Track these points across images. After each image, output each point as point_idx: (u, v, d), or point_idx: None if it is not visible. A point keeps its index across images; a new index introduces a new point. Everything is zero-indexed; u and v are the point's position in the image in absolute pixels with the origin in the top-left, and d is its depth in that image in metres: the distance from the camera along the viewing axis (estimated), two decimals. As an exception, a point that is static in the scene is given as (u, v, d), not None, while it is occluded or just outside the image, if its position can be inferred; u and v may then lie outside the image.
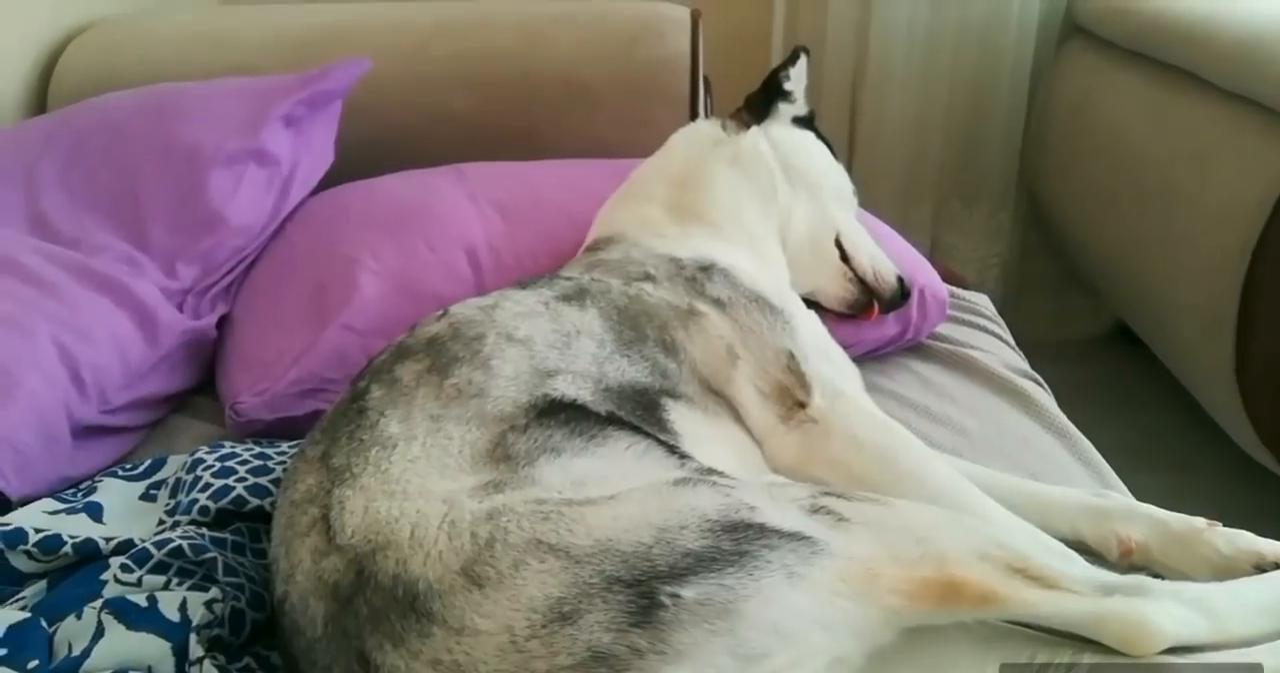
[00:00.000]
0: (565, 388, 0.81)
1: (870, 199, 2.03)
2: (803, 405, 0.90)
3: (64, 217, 1.19)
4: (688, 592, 0.60)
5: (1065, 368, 1.57)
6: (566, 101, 1.58)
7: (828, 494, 0.72)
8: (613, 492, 0.69)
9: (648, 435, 0.79)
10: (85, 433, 1.01)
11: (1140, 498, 0.96)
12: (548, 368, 0.83)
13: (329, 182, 1.40)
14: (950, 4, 2.06)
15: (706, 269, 1.01)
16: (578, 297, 0.93)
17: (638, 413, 0.82)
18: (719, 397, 0.92)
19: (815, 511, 0.69)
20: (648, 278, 0.99)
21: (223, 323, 1.21)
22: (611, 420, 0.79)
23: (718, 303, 0.97)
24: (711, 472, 0.75)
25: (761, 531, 0.66)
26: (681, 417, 0.86)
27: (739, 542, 0.64)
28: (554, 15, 1.67)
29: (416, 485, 0.71)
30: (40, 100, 1.60)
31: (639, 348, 0.90)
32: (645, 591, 0.60)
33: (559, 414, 0.78)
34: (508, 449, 0.74)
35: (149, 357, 1.09)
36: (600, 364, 0.86)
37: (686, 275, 1.00)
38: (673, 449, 0.78)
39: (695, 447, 0.82)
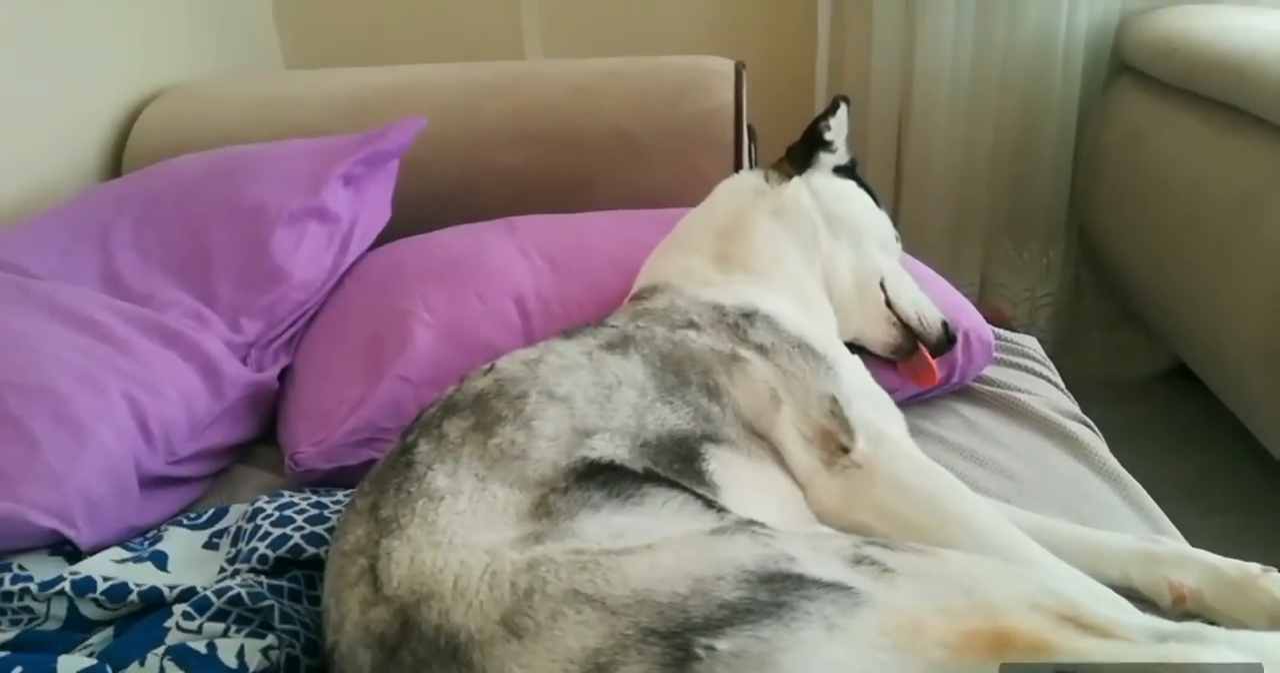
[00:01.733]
0: (603, 448, 0.83)
1: (919, 239, 2.07)
2: (846, 450, 0.91)
3: (136, 274, 1.25)
4: (723, 644, 0.61)
5: (1120, 407, 1.55)
6: (615, 154, 1.63)
7: (871, 544, 0.72)
8: (650, 542, 0.70)
9: (685, 490, 0.80)
10: (152, 483, 1.05)
11: (1199, 539, 0.94)
12: (586, 427, 0.85)
13: (387, 236, 1.46)
14: (994, 46, 2.07)
15: (749, 316, 1.03)
16: (621, 345, 0.95)
17: (675, 467, 0.84)
18: (762, 440, 0.93)
19: (858, 561, 0.69)
20: (691, 325, 1.01)
21: (284, 375, 1.26)
22: (649, 477, 0.80)
23: (760, 349, 0.98)
24: (751, 522, 0.75)
25: (800, 581, 0.65)
26: (723, 464, 0.87)
27: (777, 593, 0.64)
28: (602, 71, 1.73)
29: (462, 537, 0.73)
30: (117, 163, 1.69)
31: (682, 393, 0.91)
32: (680, 643, 0.61)
33: (597, 476, 0.79)
34: (549, 508, 0.76)
35: (214, 409, 1.13)
36: (640, 415, 0.88)
37: (729, 322, 1.01)
38: (710, 503, 0.79)
39: (736, 495, 0.83)
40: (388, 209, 1.47)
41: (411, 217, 1.49)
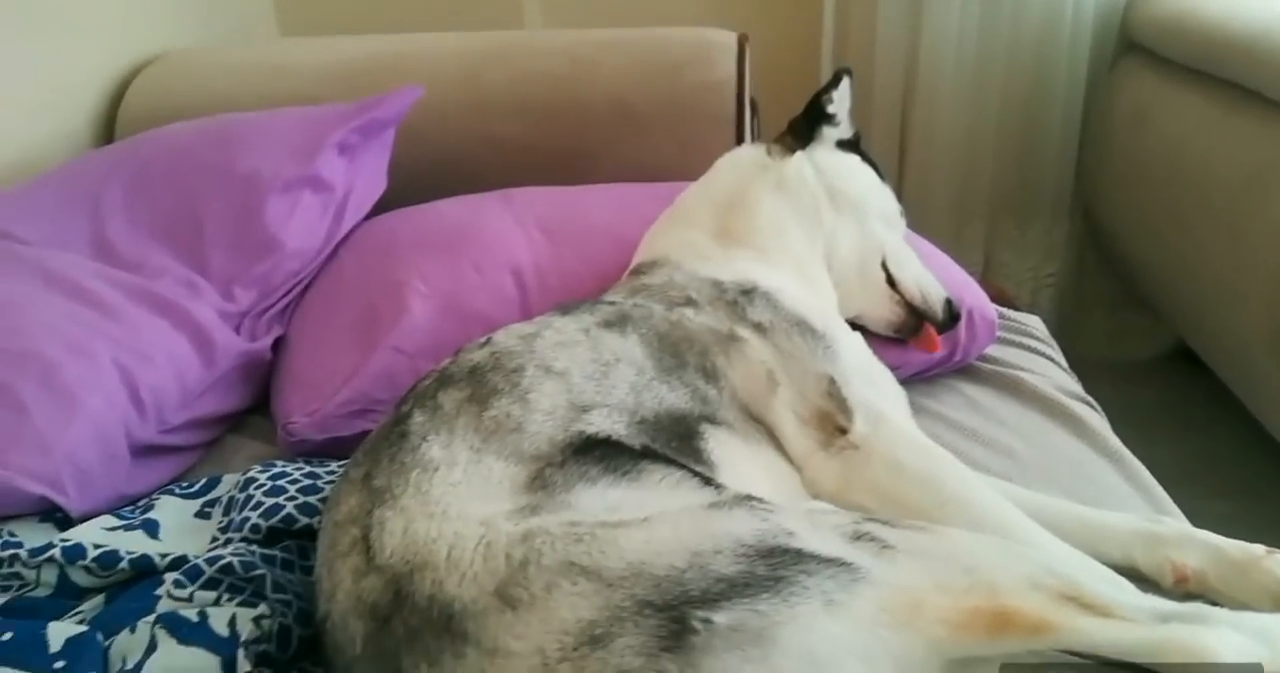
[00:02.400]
0: (600, 423, 0.81)
1: (922, 217, 2.05)
2: (844, 431, 0.89)
3: (127, 242, 1.23)
4: (720, 617, 0.60)
5: (1123, 389, 1.53)
6: (615, 126, 1.60)
7: (871, 521, 0.71)
8: (647, 516, 0.69)
9: (682, 467, 0.79)
10: (144, 452, 1.04)
11: (1201, 523, 0.93)
12: (583, 402, 0.83)
13: (383, 207, 1.44)
14: (1001, 21, 2.05)
15: (749, 292, 1.01)
16: (619, 323, 0.94)
17: (673, 444, 0.82)
18: (759, 423, 0.91)
19: (858, 537, 0.68)
20: (689, 303, 0.99)
21: (278, 345, 1.24)
22: (646, 454, 0.79)
23: (759, 327, 0.97)
24: (749, 497, 0.74)
25: (799, 556, 0.65)
26: (720, 444, 0.86)
27: (775, 567, 0.64)
28: (603, 42, 1.70)
29: (456, 508, 0.71)
30: (109, 130, 1.67)
31: (679, 374, 0.90)
32: (677, 615, 0.60)
33: (594, 451, 0.78)
34: (545, 481, 0.75)
35: (206, 378, 1.12)
36: (638, 393, 0.86)
37: (728, 299, 1.00)
38: (708, 481, 0.78)
39: (732, 475, 0.82)
40: (384, 179, 1.45)
41: (408, 187, 1.47)
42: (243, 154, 1.33)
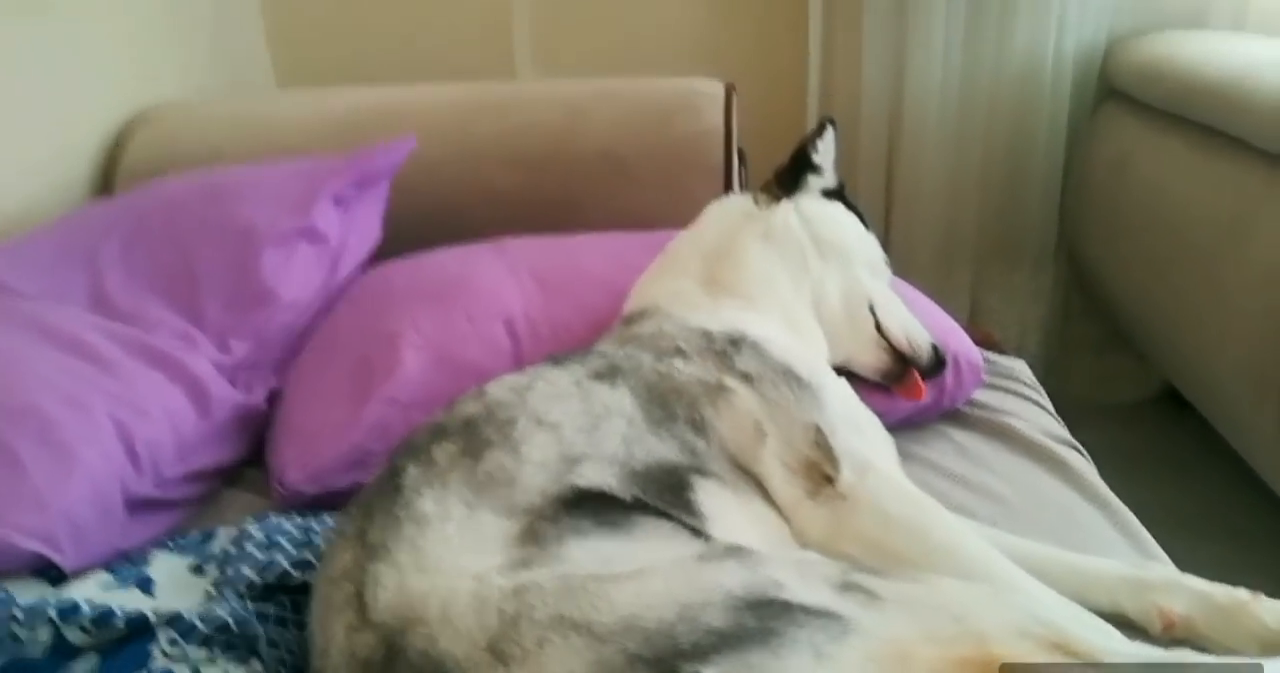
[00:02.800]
0: (592, 476, 0.82)
1: (909, 263, 2.08)
2: (830, 480, 0.90)
3: (123, 294, 1.25)
4: (710, 670, 0.60)
5: (1111, 433, 1.55)
6: (605, 176, 1.63)
7: (859, 571, 0.71)
8: (638, 568, 0.69)
9: (673, 519, 0.79)
10: (139, 506, 1.04)
11: (1191, 567, 0.94)
12: (575, 454, 0.84)
13: (378, 257, 1.46)
14: (983, 70, 2.09)
15: (736, 342, 1.02)
16: (609, 374, 0.95)
17: (664, 496, 0.83)
18: (748, 474, 0.92)
19: (846, 588, 0.69)
20: (678, 353, 1.01)
21: (273, 397, 1.25)
22: (637, 506, 0.80)
23: (746, 377, 0.98)
24: (739, 548, 0.75)
25: (788, 607, 0.65)
26: (710, 495, 0.86)
27: (764, 619, 0.64)
28: (593, 93, 1.73)
29: (449, 563, 0.72)
30: (107, 182, 1.69)
31: (669, 426, 0.91)
32: (667, 669, 0.61)
33: (586, 504, 0.79)
34: (537, 534, 0.76)
35: (201, 431, 1.13)
36: (629, 445, 0.87)
37: (716, 349, 1.01)
38: (698, 533, 0.79)
39: (722, 526, 0.82)
40: (378, 230, 1.47)
41: (402, 237, 1.49)
42: (238, 207, 1.35)
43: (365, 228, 1.44)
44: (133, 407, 1.06)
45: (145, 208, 1.38)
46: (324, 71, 2.17)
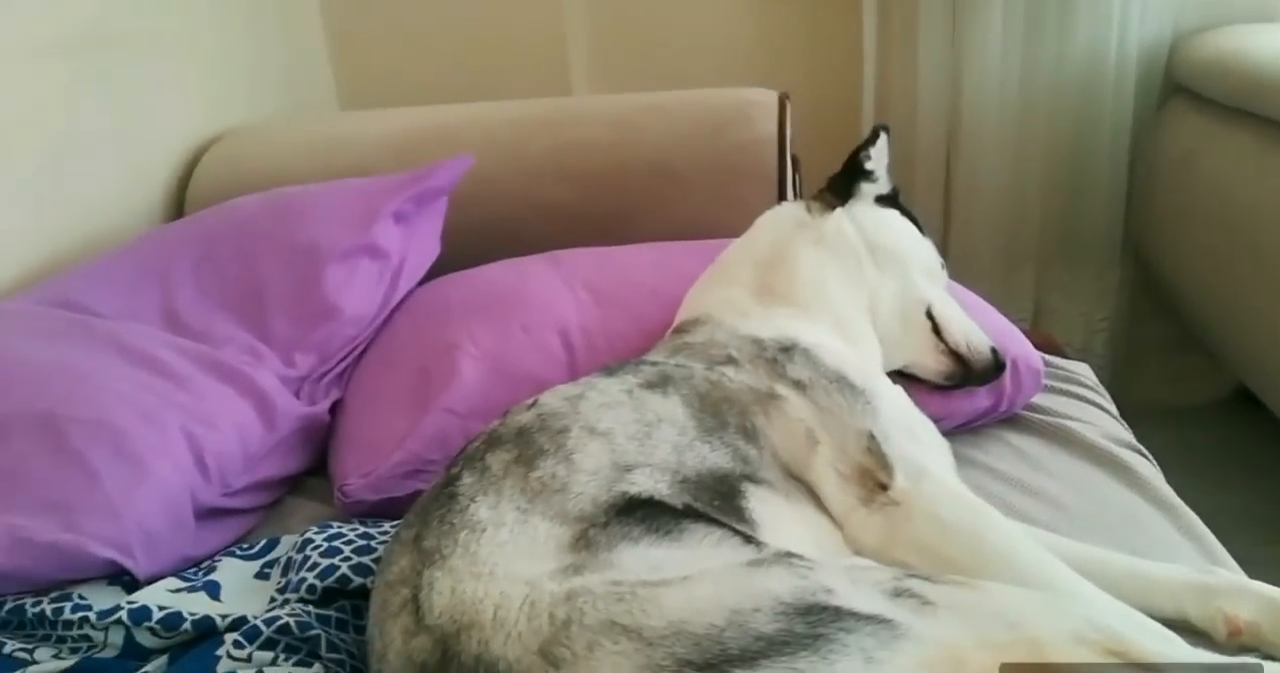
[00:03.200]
0: (643, 483, 0.83)
1: (970, 265, 2.05)
2: (884, 487, 0.90)
3: (194, 311, 1.30)
4: None
5: (1182, 434, 1.51)
6: (658, 187, 1.64)
7: (912, 577, 0.71)
8: (688, 574, 0.70)
9: (724, 526, 0.80)
10: (207, 515, 1.08)
11: (1265, 572, 0.91)
12: (627, 462, 0.85)
13: (436, 271, 1.49)
14: (1043, 68, 2.06)
15: (788, 350, 1.03)
16: (661, 383, 0.96)
17: (715, 503, 0.84)
18: (800, 481, 0.92)
19: (898, 594, 0.68)
20: (730, 361, 1.01)
21: (335, 408, 1.29)
22: (688, 513, 0.80)
23: (798, 385, 0.98)
24: (789, 554, 0.75)
25: (838, 613, 0.65)
26: (761, 502, 0.87)
27: (814, 625, 0.64)
28: (645, 105, 1.75)
29: (503, 568, 0.74)
30: (179, 204, 1.76)
31: (720, 435, 0.92)
32: None
33: (636, 511, 0.79)
34: (589, 541, 0.76)
35: (267, 442, 1.16)
36: (680, 453, 0.88)
37: (768, 357, 1.02)
38: (749, 539, 0.79)
39: (774, 533, 0.82)
40: (437, 245, 1.51)
41: (458, 251, 1.52)
42: (303, 225, 1.40)
43: (424, 243, 1.48)
44: (203, 420, 1.10)
45: (214, 228, 1.43)
46: (385, 92, 2.23)
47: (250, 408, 1.16)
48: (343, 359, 1.32)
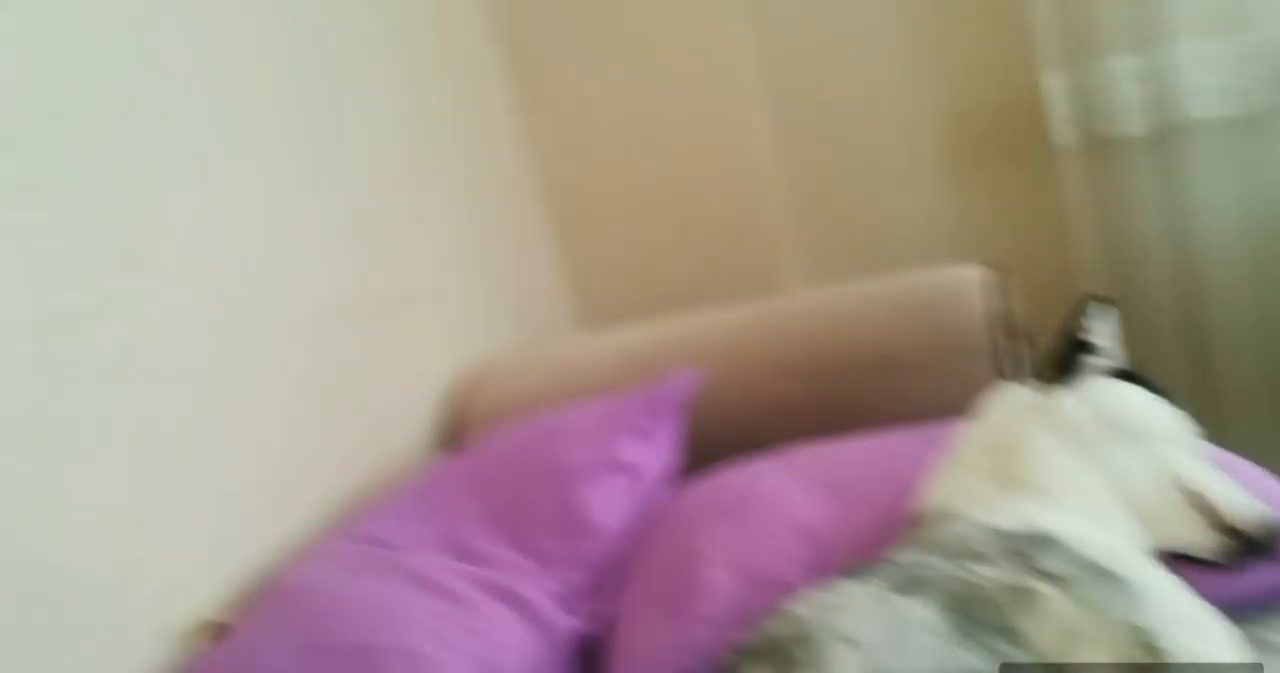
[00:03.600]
0: None
1: (1229, 423, 1.90)
2: None
3: (472, 537, 1.44)
4: None
5: None
6: (879, 373, 1.70)
7: None
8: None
9: None
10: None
11: None
12: (883, 671, 0.87)
13: (678, 476, 1.59)
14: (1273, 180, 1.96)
15: (1038, 541, 1.02)
16: (910, 586, 0.98)
17: None
18: None
19: None
20: (978, 557, 1.01)
21: (603, 619, 1.37)
22: None
23: (1054, 579, 0.97)
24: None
25: None
26: None
27: None
28: (855, 295, 1.83)
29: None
30: (442, 433, 1.97)
31: (977, 636, 0.92)
32: None
33: None
34: None
35: (548, 658, 1.26)
36: (939, 658, 0.89)
37: (1016, 550, 1.01)
38: None
39: None
40: (677, 454, 1.61)
41: (693, 455, 1.62)
42: (555, 447, 1.55)
43: (665, 454, 1.59)
44: (490, 641, 1.21)
45: (480, 459, 1.61)
46: (616, 311, 2.44)
47: (529, 627, 1.27)
48: (606, 573, 1.42)
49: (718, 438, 1.69)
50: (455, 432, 1.95)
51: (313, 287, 1.73)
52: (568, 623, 1.31)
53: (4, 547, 1.10)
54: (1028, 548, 1.01)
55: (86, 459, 1.22)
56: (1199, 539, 1.13)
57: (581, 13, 2.44)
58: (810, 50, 2.34)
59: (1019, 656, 0.91)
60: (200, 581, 1.34)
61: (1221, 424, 1.27)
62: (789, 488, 1.41)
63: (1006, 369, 1.62)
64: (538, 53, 2.48)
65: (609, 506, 1.46)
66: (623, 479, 1.49)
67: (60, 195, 1.27)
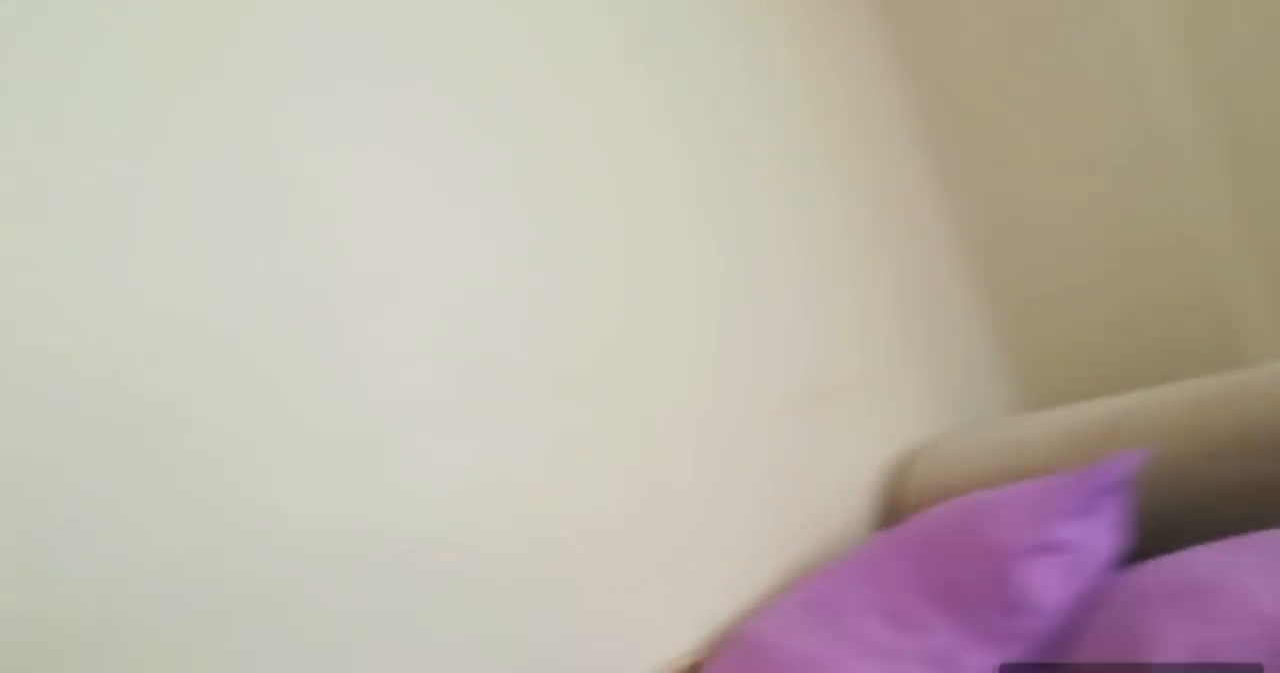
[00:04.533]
0: None
1: None
2: None
3: (905, 608, 1.53)
4: None
5: None
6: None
7: None
8: None
9: None
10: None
11: None
12: None
13: (1129, 557, 1.54)
14: None
15: None
16: None
17: None
18: None
19: None
20: None
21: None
22: None
23: None
24: None
25: None
26: None
27: None
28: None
29: None
30: (882, 512, 2.08)
31: None
32: None
33: None
34: None
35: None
36: None
37: None
38: None
39: None
40: (1121, 535, 1.56)
41: (1147, 537, 1.55)
42: (987, 526, 1.59)
43: (1107, 534, 1.55)
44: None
45: (915, 534, 1.69)
46: (1058, 389, 2.39)
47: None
48: (1042, 651, 1.43)
49: (1173, 520, 1.61)
50: (891, 518, 2.04)
51: (779, 377, 1.97)
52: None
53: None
54: None
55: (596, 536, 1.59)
56: None
57: (1007, 80, 2.38)
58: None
59: None
60: (682, 631, 1.64)
61: None
62: (1251, 573, 1.32)
63: None
64: (964, 132, 2.45)
65: (1045, 585, 1.46)
66: (1057, 560, 1.49)
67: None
